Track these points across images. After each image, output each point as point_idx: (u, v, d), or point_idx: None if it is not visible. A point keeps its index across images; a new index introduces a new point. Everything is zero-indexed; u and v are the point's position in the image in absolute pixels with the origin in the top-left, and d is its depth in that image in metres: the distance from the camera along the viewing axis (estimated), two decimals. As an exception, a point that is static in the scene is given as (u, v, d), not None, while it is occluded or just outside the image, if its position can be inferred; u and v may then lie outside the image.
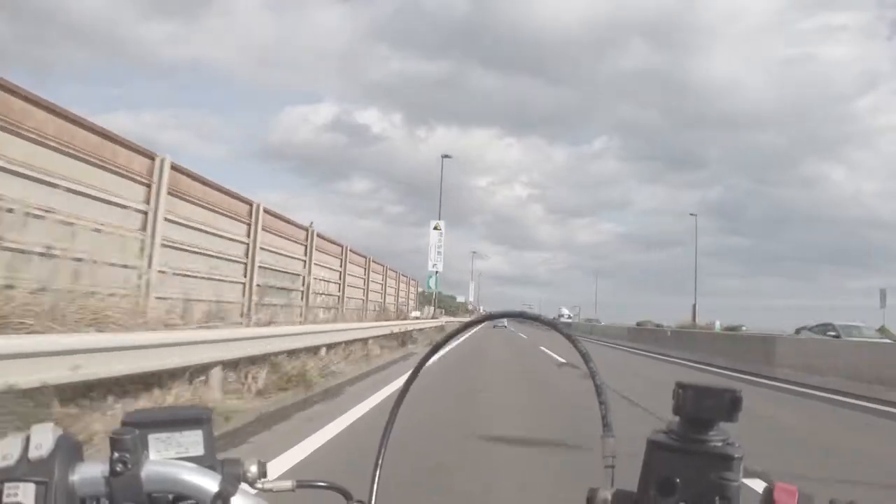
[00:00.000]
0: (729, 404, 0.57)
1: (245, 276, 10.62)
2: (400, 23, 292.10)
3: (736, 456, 0.56)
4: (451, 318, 48.37)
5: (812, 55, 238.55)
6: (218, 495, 0.59)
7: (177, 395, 5.77)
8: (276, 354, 8.41)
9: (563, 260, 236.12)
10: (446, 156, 40.91)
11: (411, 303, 35.01)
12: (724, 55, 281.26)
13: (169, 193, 7.86)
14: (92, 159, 6.45)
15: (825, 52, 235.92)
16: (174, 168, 8.03)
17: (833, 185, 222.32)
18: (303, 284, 13.87)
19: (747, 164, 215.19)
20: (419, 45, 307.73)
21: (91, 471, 0.57)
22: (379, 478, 0.76)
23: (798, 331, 20.42)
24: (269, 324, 9.65)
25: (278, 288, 12.11)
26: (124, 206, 7.04)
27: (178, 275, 8.27)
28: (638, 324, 46.79)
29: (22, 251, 5.52)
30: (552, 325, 0.82)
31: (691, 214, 66.82)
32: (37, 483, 0.53)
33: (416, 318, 27.10)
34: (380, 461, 0.77)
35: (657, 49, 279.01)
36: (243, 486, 0.63)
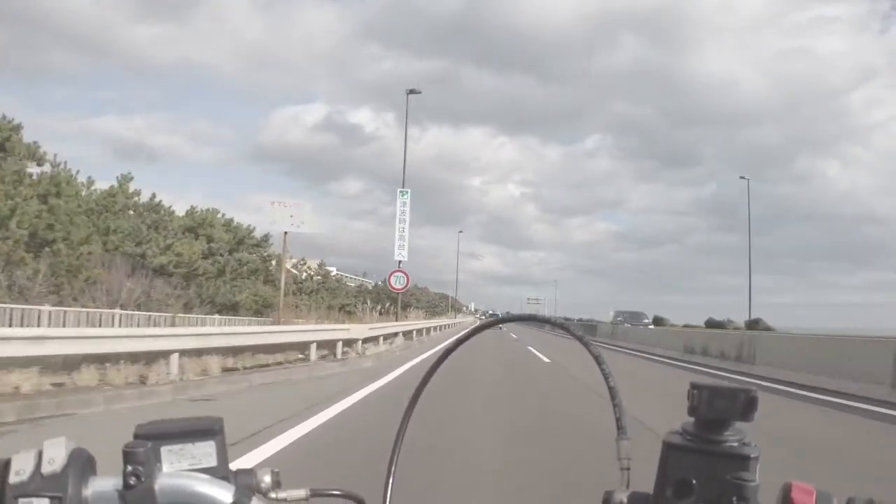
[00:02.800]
0: (744, 404, 0.57)
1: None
2: (391, 22, 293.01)
3: (752, 456, 0.56)
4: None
5: (805, 48, 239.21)
6: None
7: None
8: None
9: (559, 259, 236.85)
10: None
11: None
12: (717, 50, 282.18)
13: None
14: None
15: (818, 45, 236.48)
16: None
17: (827, 181, 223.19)
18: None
19: (742, 160, 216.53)
20: (411, 43, 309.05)
21: (104, 485, 0.56)
22: (393, 484, 0.76)
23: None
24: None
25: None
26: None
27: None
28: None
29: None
30: (564, 327, 0.82)
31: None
32: (50, 498, 0.53)
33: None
34: (393, 467, 0.77)
35: (650, 45, 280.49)
36: (257, 496, 0.63)
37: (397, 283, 25.65)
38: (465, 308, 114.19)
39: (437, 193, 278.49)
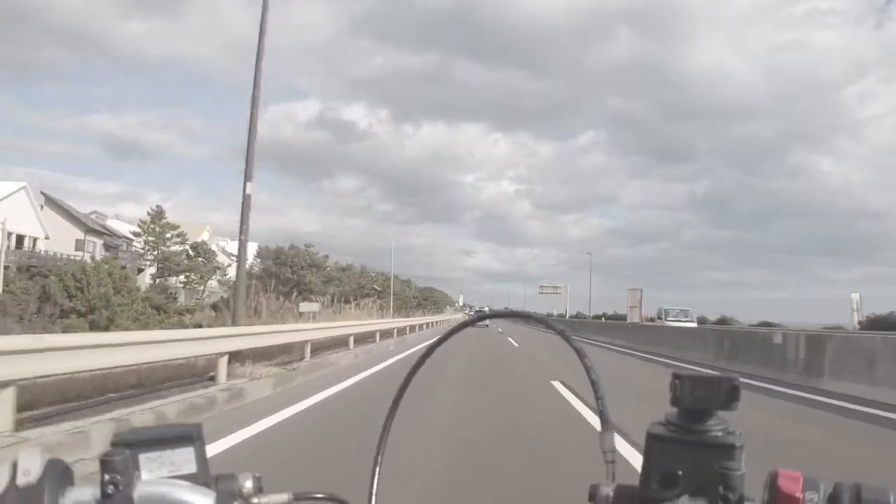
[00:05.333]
0: (727, 393, 0.57)
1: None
2: (383, 15, 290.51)
3: (737, 444, 0.56)
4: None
5: (799, 41, 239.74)
6: None
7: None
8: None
9: (553, 256, 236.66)
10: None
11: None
12: (711, 43, 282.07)
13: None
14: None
15: (813, 38, 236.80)
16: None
17: (822, 175, 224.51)
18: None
19: (736, 156, 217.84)
20: (404, 38, 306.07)
21: (82, 495, 0.55)
22: (377, 485, 0.75)
23: None
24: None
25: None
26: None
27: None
28: None
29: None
30: (545, 322, 0.81)
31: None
32: None
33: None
34: (377, 468, 0.76)
35: (644, 38, 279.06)
36: (239, 502, 0.62)
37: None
38: (455, 304, 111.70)
39: (431, 190, 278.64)
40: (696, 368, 0.85)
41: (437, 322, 44.76)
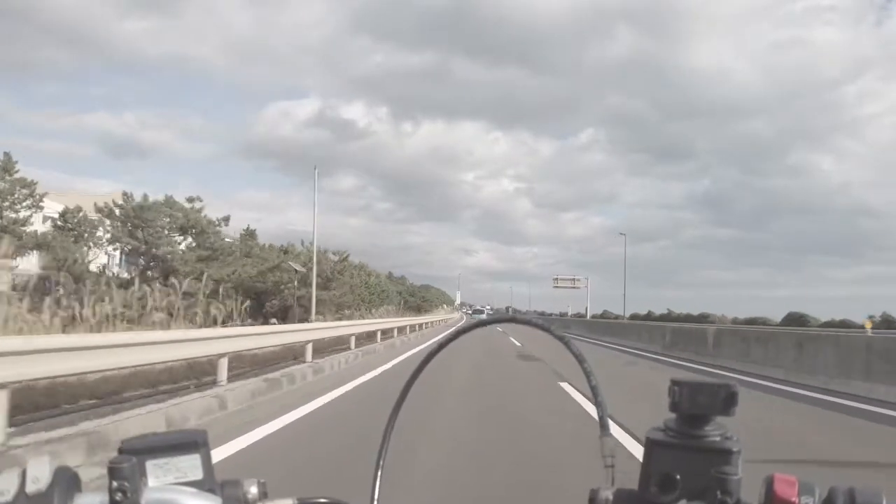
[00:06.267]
0: (724, 399, 0.58)
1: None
2: (382, 13, 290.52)
3: (734, 450, 0.58)
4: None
5: (800, 39, 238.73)
6: None
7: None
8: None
9: (553, 254, 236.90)
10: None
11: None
12: (711, 41, 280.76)
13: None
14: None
15: (813, 35, 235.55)
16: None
17: (822, 173, 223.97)
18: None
19: (735, 154, 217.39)
20: (403, 36, 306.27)
21: (90, 502, 0.56)
22: (380, 488, 0.76)
23: None
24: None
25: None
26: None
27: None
28: None
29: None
30: (544, 328, 0.82)
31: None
32: None
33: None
34: (379, 471, 0.77)
35: (643, 36, 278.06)
36: None
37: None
38: (454, 303, 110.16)
39: (430, 189, 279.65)
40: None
41: (413, 326, 27.90)
